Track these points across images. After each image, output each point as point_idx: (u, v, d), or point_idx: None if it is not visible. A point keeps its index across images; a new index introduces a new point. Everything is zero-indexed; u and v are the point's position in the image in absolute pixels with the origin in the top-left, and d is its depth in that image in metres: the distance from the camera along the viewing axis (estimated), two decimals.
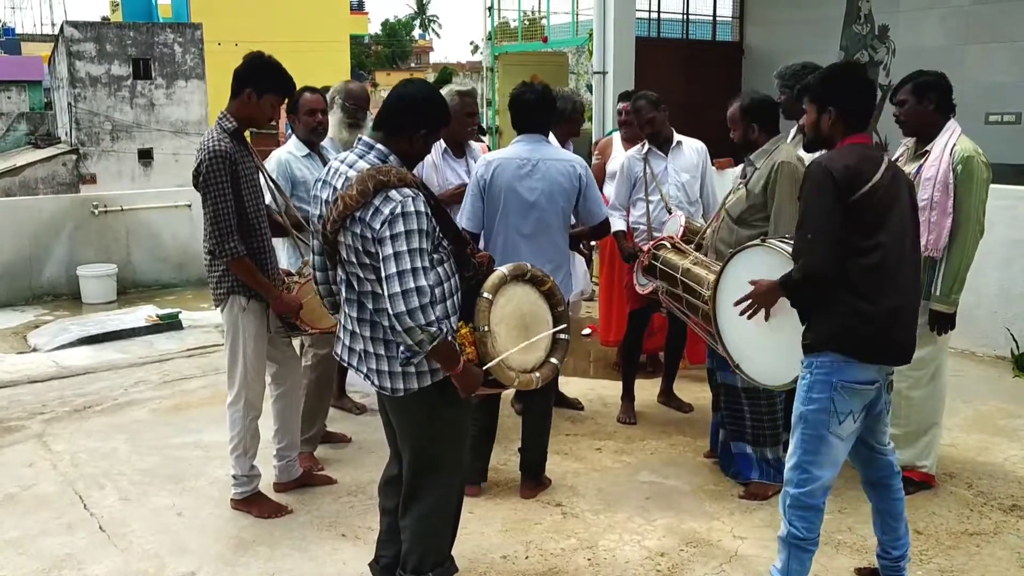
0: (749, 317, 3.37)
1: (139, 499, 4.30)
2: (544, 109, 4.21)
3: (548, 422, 4.34)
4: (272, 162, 4.55)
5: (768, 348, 3.50)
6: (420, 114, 2.95)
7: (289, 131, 5.11)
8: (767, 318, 3.37)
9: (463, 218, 4.16)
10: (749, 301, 3.35)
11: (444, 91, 4.50)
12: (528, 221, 4.12)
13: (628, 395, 5.33)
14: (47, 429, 5.24)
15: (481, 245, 4.13)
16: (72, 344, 7.06)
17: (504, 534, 3.92)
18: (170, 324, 7.52)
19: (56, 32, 32.70)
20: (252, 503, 4.10)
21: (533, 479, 4.31)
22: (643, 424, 5.21)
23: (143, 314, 7.77)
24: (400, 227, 2.73)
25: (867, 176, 2.96)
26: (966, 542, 3.84)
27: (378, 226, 2.75)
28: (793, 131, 4.57)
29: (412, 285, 2.71)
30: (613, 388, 5.65)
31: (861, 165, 2.98)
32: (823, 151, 3.25)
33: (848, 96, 3.13)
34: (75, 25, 27.57)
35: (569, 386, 5.74)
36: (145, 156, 27.79)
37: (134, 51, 27.62)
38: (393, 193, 2.77)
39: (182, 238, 9.55)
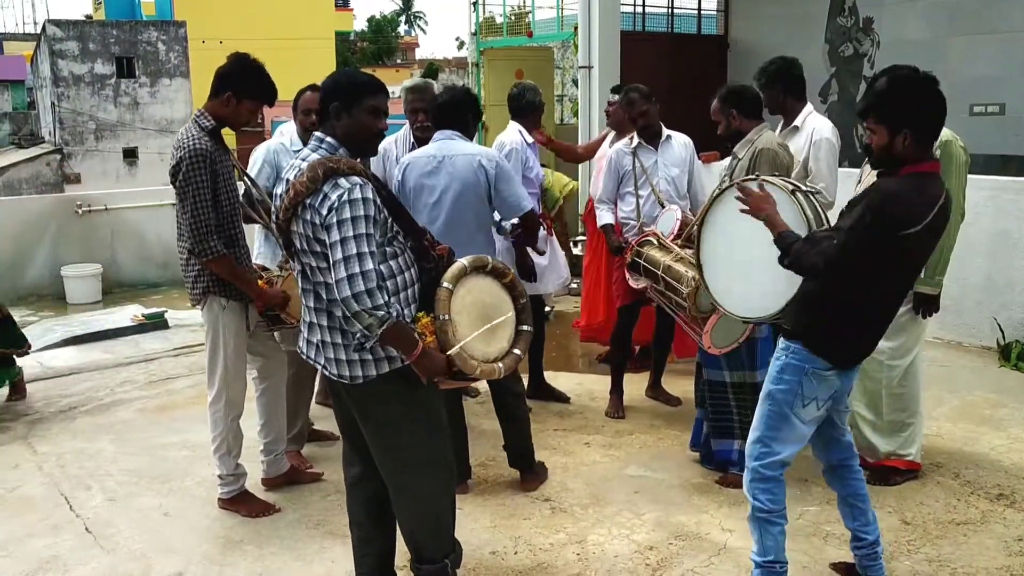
0: (742, 210, 3.22)
1: (125, 500, 4.28)
2: (458, 107, 4.21)
3: (521, 412, 4.30)
4: (261, 150, 4.54)
5: (748, 282, 3.49)
6: (330, 94, 2.97)
7: (274, 128, 5.09)
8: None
9: None
10: (752, 199, 3.20)
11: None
12: (436, 219, 4.07)
13: (617, 389, 5.33)
14: (32, 430, 5.21)
15: None
16: (57, 345, 7.02)
17: (492, 530, 3.91)
18: (156, 323, 7.50)
19: (38, 31, 32.45)
20: (239, 502, 4.08)
21: (528, 471, 4.31)
22: (631, 418, 5.21)
23: (128, 314, 7.74)
24: (347, 213, 2.75)
25: (921, 219, 2.86)
26: (954, 531, 3.86)
27: (325, 212, 2.77)
28: (799, 120, 4.55)
29: (358, 270, 2.72)
30: (601, 383, 5.65)
31: (921, 207, 2.87)
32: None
33: (926, 114, 2.89)
34: (58, 24, 27.40)
35: (557, 381, 5.73)
36: (130, 155, 27.66)
37: (117, 49, 27.47)
38: (342, 180, 2.80)
39: (167, 237, 9.43)
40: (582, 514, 4.04)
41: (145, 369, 6.42)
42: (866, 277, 2.95)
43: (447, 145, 4.16)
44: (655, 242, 4.58)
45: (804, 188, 3.38)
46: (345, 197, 2.76)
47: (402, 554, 3.37)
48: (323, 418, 5.10)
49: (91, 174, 26.74)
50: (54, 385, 6.08)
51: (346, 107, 2.95)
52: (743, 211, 3.23)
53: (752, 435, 3.22)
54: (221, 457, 4.02)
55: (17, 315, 8.29)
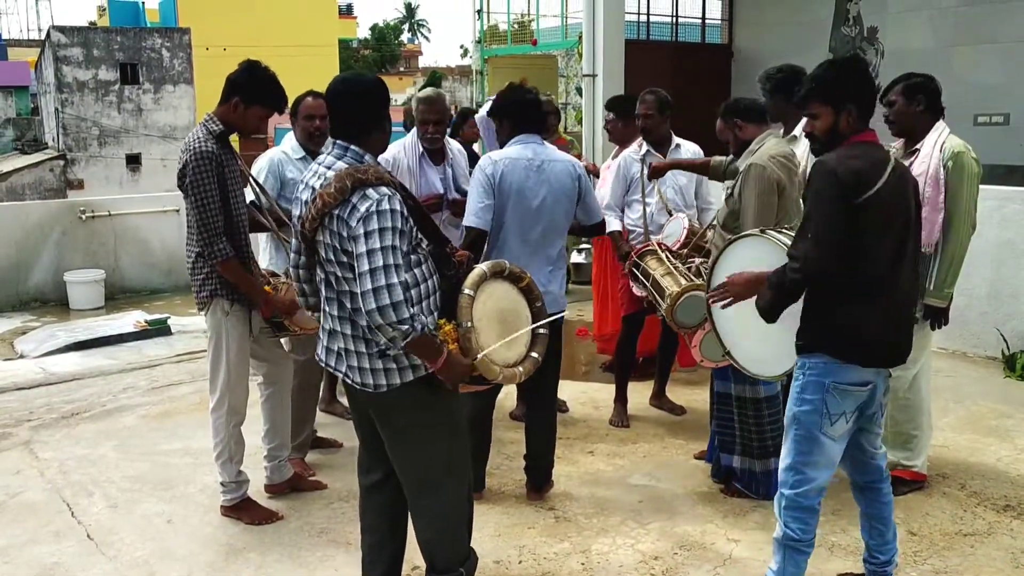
0: (724, 306, 3.34)
1: (128, 506, 4.26)
2: (543, 110, 4.18)
3: (554, 427, 4.33)
4: (264, 160, 4.53)
5: (761, 337, 3.41)
6: (371, 100, 2.95)
7: (278, 135, 5.09)
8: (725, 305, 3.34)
9: (470, 216, 4.00)
10: (723, 290, 3.30)
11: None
12: (535, 223, 4.04)
13: (621, 398, 5.31)
14: (34, 436, 5.19)
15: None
16: (60, 350, 7.02)
17: (497, 539, 3.89)
18: (159, 330, 7.49)
19: (43, 37, 32.55)
20: (242, 509, 4.06)
21: (545, 483, 4.30)
22: (635, 427, 5.19)
23: (131, 320, 7.74)
24: (375, 224, 2.73)
25: (874, 179, 2.91)
26: (960, 543, 3.83)
27: (354, 223, 2.75)
28: (798, 130, 4.51)
29: (383, 282, 2.70)
30: (605, 391, 5.63)
31: (868, 167, 2.93)
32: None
33: (864, 90, 3.05)
34: (62, 30, 27.50)
35: (561, 389, 5.69)
36: (133, 161, 27.71)
37: (121, 56, 27.56)
38: (370, 191, 2.78)
39: (170, 243, 9.49)
40: (586, 523, 4.03)
41: (148, 375, 6.41)
42: (850, 256, 2.90)
43: (537, 149, 4.08)
44: (658, 252, 4.56)
45: (769, 227, 3.44)
46: (373, 208, 2.74)
47: (407, 561, 3.35)
48: (327, 425, 5.09)
49: (94, 180, 26.79)
50: (56, 391, 6.06)
51: (381, 116, 2.96)
52: (725, 305, 3.31)
53: (784, 462, 3.12)
54: (223, 464, 4.00)
55: (19, 320, 8.33)
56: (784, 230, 3.40)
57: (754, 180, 3.92)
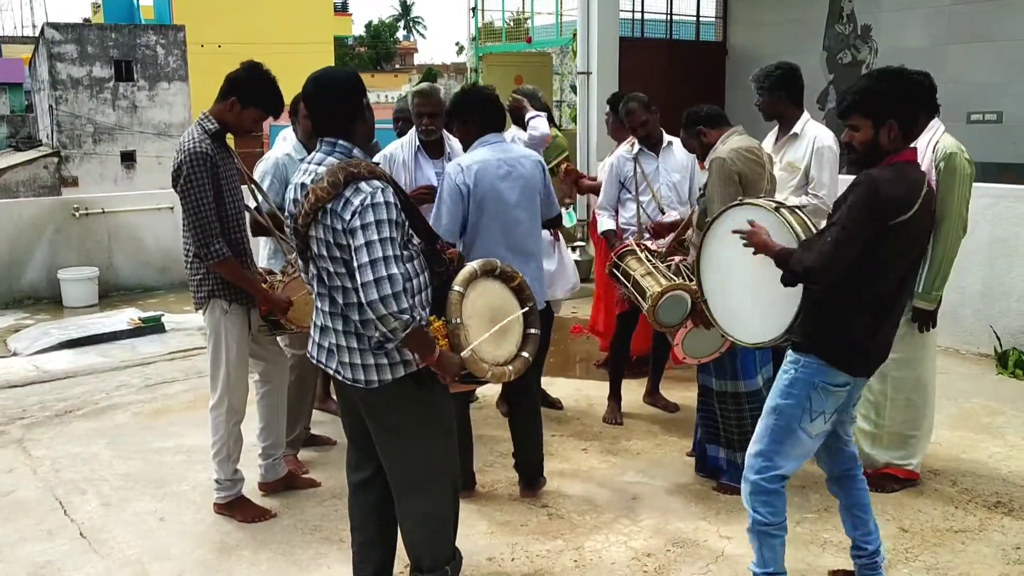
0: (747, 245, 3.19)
1: (120, 504, 4.26)
2: (501, 110, 4.20)
3: (538, 422, 4.32)
4: (269, 163, 4.49)
5: (746, 305, 3.46)
6: (345, 95, 2.93)
7: (273, 133, 5.07)
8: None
9: (439, 227, 3.94)
10: (749, 232, 3.17)
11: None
12: (513, 224, 4.04)
13: (615, 395, 5.32)
14: (27, 434, 5.18)
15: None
16: (53, 348, 7.00)
17: (489, 536, 3.89)
18: (152, 327, 7.47)
19: (37, 34, 32.46)
20: (235, 507, 4.06)
21: (534, 479, 4.30)
22: (629, 424, 5.20)
23: (125, 317, 7.72)
24: (371, 217, 2.74)
25: (910, 204, 2.90)
26: (951, 539, 3.85)
27: (348, 216, 2.75)
28: (798, 127, 4.53)
29: (384, 273, 2.71)
30: (598, 388, 5.64)
31: (907, 192, 2.91)
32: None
33: (909, 106, 2.97)
34: (56, 27, 27.37)
35: (555, 386, 5.72)
36: (128, 159, 27.61)
37: (116, 53, 27.45)
38: (363, 184, 2.78)
39: (165, 241, 9.47)
40: (579, 520, 4.03)
41: (141, 373, 6.40)
42: (870, 273, 2.94)
43: (504, 147, 4.09)
44: (637, 252, 4.57)
45: (788, 204, 3.38)
46: (368, 201, 2.75)
47: (399, 559, 3.35)
48: (321, 423, 5.09)
49: (89, 177, 26.69)
50: (49, 389, 6.05)
51: (361, 107, 2.95)
52: (746, 245, 3.18)
53: (754, 447, 3.17)
54: (220, 462, 4.00)
55: (12, 318, 8.30)
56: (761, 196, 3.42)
57: (716, 173, 4.02)
